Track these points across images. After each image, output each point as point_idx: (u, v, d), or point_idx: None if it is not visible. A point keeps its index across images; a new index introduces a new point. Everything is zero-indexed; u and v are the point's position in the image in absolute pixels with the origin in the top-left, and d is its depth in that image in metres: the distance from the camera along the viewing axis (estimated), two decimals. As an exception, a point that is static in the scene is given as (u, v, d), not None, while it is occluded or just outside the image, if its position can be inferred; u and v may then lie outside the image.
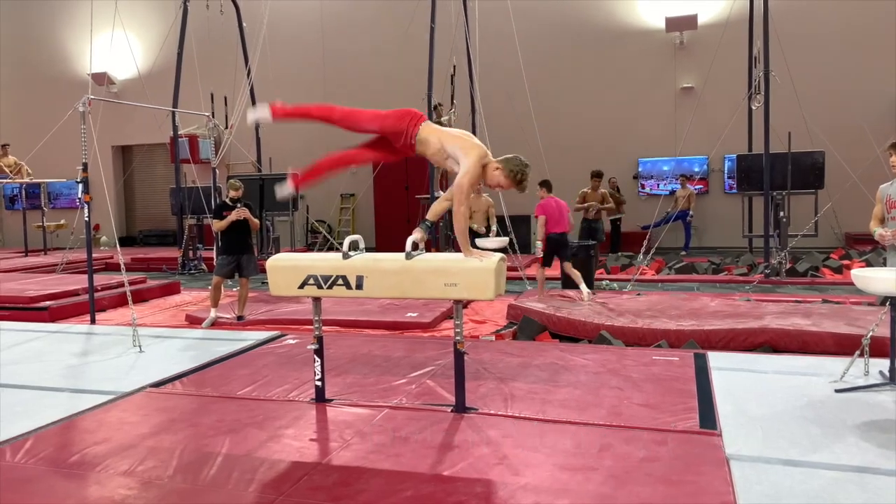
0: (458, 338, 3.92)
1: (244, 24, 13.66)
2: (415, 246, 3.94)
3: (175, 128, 12.10)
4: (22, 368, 5.47)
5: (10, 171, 13.91)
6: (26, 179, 13.88)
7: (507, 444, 3.51)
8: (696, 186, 14.73)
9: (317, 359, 4.18)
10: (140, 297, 9.01)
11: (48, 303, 8.12)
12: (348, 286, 3.92)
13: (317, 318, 4.21)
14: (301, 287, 4.02)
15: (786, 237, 9.84)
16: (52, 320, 7.74)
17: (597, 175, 11.58)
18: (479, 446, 3.50)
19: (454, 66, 12.36)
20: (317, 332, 4.20)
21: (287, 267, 4.09)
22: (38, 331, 6.93)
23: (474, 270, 3.73)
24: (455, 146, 3.91)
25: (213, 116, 12.38)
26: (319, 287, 3.98)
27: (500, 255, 3.84)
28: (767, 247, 10.26)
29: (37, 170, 14.66)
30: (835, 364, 4.68)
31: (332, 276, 3.93)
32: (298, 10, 16.74)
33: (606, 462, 3.25)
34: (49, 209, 16.39)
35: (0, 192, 18.51)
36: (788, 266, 9.96)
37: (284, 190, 4.20)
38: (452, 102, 12.68)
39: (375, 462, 3.36)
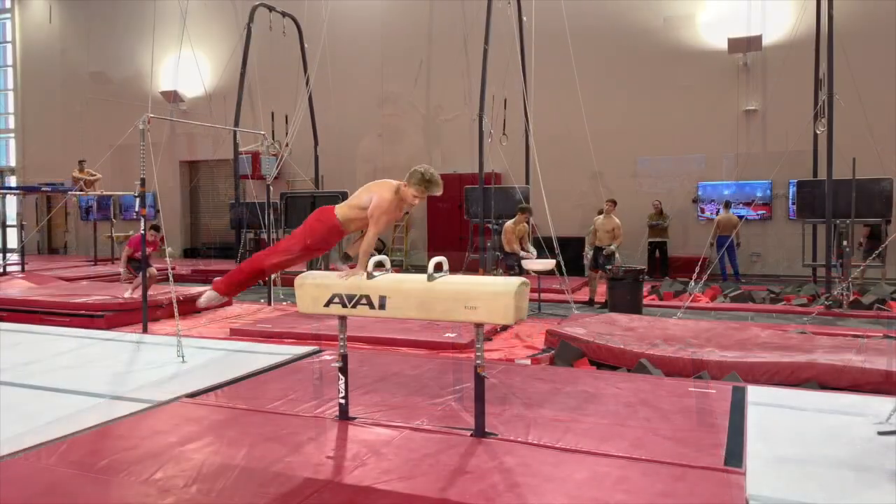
0: (478, 361, 3.90)
1: (306, 46, 14.06)
2: (438, 267, 3.96)
3: (235, 145, 12.51)
4: (72, 373, 5.73)
5: (85, 185, 14.63)
6: (97, 192, 14.56)
7: (521, 472, 3.45)
8: (759, 212, 14.31)
9: (341, 377, 4.22)
10: (193, 308, 9.29)
11: (105, 311, 8.46)
12: (371, 306, 3.96)
13: (342, 337, 4.26)
14: (327, 305, 4.08)
15: (848, 267, 9.42)
16: (108, 328, 8.07)
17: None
18: (493, 473, 3.46)
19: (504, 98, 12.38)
20: (342, 350, 4.25)
21: (313, 285, 4.15)
22: (93, 337, 7.25)
23: (495, 294, 3.71)
24: (368, 195, 4.19)
25: (274, 135, 12.76)
26: (344, 306, 4.03)
27: (520, 279, 3.81)
28: (829, 277, 9.84)
29: (112, 183, 15.39)
30: (882, 404, 4.43)
31: (356, 295, 3.98)
32: (358, 31, 17.12)
33: (619, 495, 3.16)
34: (119, 220, 17.18)
35: (76, 203, 19.49)
36: (853, 298, 9.53)
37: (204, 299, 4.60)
38: (504, 130, 12.69)
39: (387, 483, 3.36)
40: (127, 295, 9.00)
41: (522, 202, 10.58)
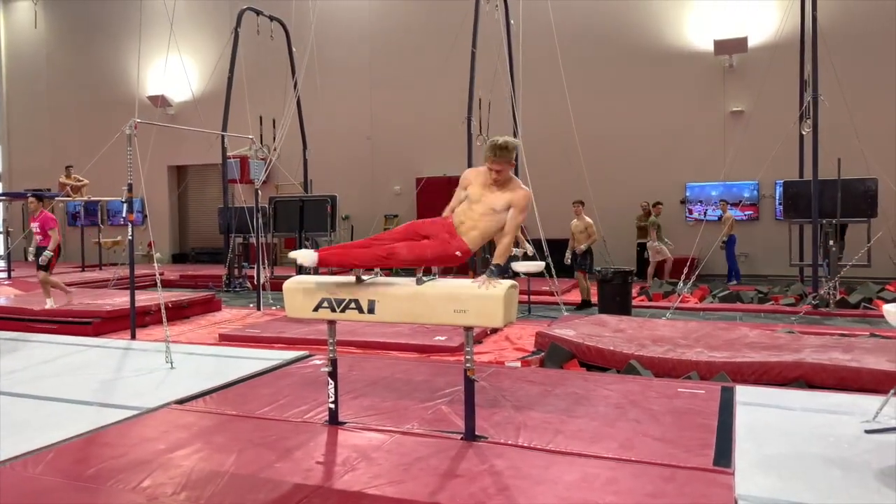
0: (468, 364, 3.90)
1: (293, 50, 14.04)
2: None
3: (224, 150, 12.46)
4: (59, 381, 5.68)
5: (72, 190, 14.54)
6: (84, 198, 14.47)
7: (512, 475, 3.45)
8: (746, 212, 14.39)
9: (330, 381, 4.21)
10: (182, 314, 9.28)
11: (93, 318, 8.39)
12: (360, 310, 3.94)
13: (331, 341, 4.24)
14: (315, 310, 4.06)
15: (835, 267, 9.49)
16: (96, 335, 8.01)
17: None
18: (483, 476, 3.46)
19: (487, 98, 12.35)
20: (331, 355, 4.23)
21: (302, 289, 4.13)
22: (80, 345, 7.18)
23: (484, 298, 3.71)
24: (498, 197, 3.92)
25: (262, 139, 12.72)
26: (333, 310, 4.01)
27: (510, 282, 3.81)
28: (816, 276, 9.92)
29: (100, 188, 15.28)
30: (870, 402, 4.46)
31: (344, 299, 3.97)
32: (346, 34, 17.11)
33: (609, 497, 3.17)
34: (107, 226, 17.06)
35: (63, 208, 19.34)
36: (839, 297, 9.59)
37: (305, 259, 4.03)
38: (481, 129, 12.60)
39: (376, 488, 3.35)
40: (111, 301, 8.95)
41: None
